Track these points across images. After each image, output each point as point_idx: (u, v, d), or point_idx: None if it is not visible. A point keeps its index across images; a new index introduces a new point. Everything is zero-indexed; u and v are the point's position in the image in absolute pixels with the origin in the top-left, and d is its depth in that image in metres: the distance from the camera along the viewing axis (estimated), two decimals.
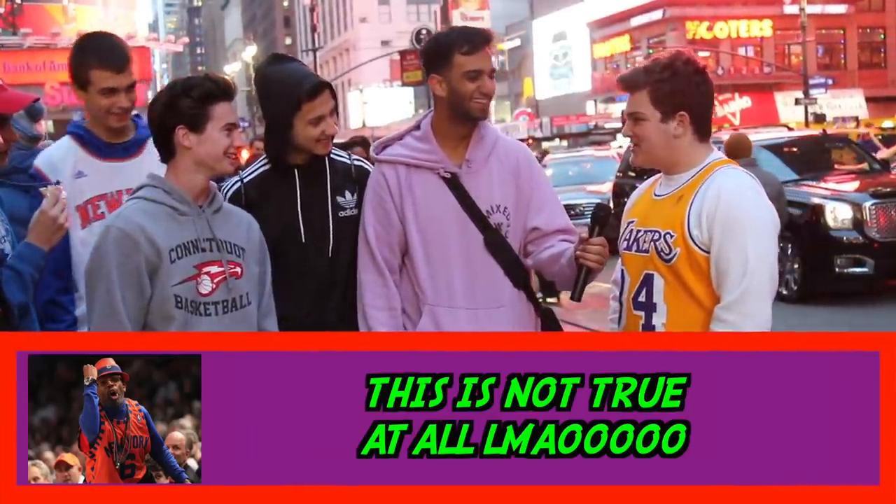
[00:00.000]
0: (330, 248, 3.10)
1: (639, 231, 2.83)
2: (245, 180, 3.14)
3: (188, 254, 2.65)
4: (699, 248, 2.66)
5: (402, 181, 3.06)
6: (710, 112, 2.84)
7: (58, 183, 2.99)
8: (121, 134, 3.27)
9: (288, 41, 79.83)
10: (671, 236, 2.70)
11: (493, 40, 3.07)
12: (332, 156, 3.17)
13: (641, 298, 2.79)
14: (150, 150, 3.25)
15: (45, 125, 5.16)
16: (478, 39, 3.01)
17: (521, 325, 3.12)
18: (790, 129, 16.17)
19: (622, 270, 2.91)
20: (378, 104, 62.14)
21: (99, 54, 3.15)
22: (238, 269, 2.74)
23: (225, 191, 3.14)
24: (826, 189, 10.70)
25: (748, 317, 2.58)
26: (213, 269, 2.69)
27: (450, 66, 3.00)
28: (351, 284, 3.11)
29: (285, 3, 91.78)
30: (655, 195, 2.86)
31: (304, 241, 3.07)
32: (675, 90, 2.72)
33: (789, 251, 10.30)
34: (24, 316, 2.70)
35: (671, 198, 2.77)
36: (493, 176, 3.06)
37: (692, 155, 2.78)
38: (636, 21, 46.13)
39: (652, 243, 2.75)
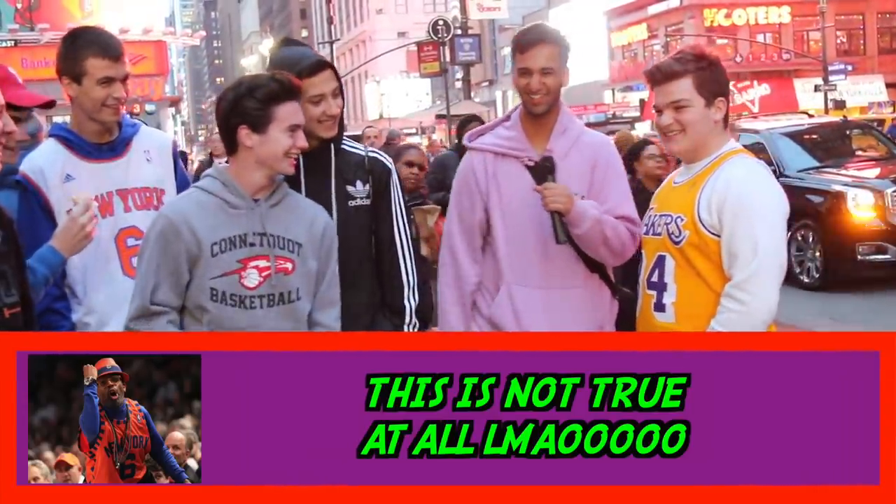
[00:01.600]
0: None
1: (655, 216, 2.98)
2: None
3: (233, 248, 2.70)
4: (709, 231, 2.78)
5: (489, 168, 3.28)
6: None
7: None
8: (106, 134, 3.21)
9: (304, 33, 79.80)
10: (682, 220, 2.84)
11: (547, 40, 3.18)
12: (344, 146, 3.17)
13: (654, 279, 2.93)
14: (137, 148, 3.25)
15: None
16: (525, 39, 3.21)
17: (594, 305, 3.30)
18: (810, 115, 16.04)
19: (641, 254, 3.06)
20: (395, 95, 62.02)
21: (96, 44, 3.10)
22: (289, 265, 2.75)
23: None
24: (847, 176, 10.63)
25: (756, 295, 2.70)
26: (262, 262, 2.72)
27: (514, 62, 3.27)
28: (357, 273, 3.10)
29: None
30: (674, 183, 3.00)
31: None
32: (715, 77, 2.86)
33: (811, 239, 10.24)
34: None
35: (687, 184, 2.91)
36: (572, 168, 3.20)
37: (716, 142, 2.90)
38: (653, 9, 45.77)
39: (665, 226, 2.89)
